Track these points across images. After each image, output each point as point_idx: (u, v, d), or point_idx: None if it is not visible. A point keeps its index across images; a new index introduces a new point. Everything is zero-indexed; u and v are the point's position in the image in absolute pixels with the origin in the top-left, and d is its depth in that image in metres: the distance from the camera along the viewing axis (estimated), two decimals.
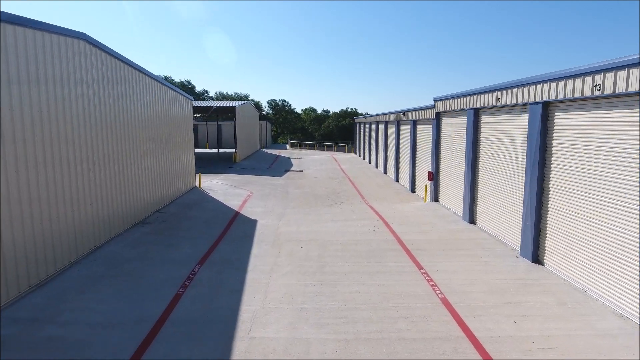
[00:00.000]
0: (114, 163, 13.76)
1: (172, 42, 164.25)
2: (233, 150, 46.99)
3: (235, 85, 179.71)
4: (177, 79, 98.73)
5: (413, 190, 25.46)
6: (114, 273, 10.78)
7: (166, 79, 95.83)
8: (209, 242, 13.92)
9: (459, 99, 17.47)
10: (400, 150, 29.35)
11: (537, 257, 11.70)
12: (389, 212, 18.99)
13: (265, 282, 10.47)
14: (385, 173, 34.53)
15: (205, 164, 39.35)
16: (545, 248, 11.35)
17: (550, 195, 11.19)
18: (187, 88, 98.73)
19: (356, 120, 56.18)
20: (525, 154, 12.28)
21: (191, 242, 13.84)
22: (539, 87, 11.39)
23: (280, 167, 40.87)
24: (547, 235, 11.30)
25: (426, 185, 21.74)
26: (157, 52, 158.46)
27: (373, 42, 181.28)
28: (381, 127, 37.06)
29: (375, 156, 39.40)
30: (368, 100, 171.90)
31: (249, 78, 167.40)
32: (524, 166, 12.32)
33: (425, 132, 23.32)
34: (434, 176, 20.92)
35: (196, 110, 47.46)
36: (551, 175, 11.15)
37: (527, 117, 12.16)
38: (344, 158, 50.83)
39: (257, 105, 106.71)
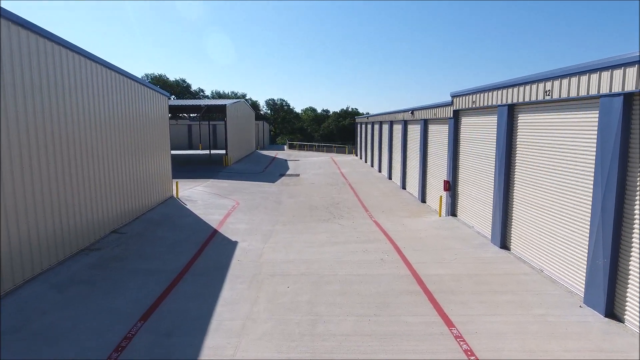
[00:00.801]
0: (44, 170, 10.49)
1: (170, 41, 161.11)
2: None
3: (233, 85, 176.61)
4: (172, 78, 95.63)
5: (423, 201, 22.19)
6: (10, 339, 7.51)
7: (160, 77, 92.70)
8: (167, 279, 10.65)
9: (486, 94, 14.21)
10: (408, 154, 26.08)
11: (612, 311, 8.42)
12: (399, 231, 15.73)
13: (229, 353, 7.20)
14: (390, 178, 31.26)
15: (193, 168, 36.09)
16: (627, 300, 8.07)
17: (635, 222, 7.91)
18: (182, 87, 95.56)
19: (357, 120, 52.93)
20: (593, 163, 9.01)
21: (143, 279, 10.56)
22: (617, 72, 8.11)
23: (275, 170, 37.62)
24: (629, 280, 8.02)
25: (441, 197, 18.47)
26: (155, 52, 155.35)
27: (374, 40, 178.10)
28: (385, 127, 33.81)
29: (379, 159, 36.14)
30: (369, 100, 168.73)
31: (247, 78, 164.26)
32: (592, 179, 9.05)
33: (438, 134, 20.06)
34: (451, 186, 17.66)
35: (184, 109, 44.28)
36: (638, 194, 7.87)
37: (596, 115, 8.90)
38: (344, 160, 47.59)
39: (255, 105, 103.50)
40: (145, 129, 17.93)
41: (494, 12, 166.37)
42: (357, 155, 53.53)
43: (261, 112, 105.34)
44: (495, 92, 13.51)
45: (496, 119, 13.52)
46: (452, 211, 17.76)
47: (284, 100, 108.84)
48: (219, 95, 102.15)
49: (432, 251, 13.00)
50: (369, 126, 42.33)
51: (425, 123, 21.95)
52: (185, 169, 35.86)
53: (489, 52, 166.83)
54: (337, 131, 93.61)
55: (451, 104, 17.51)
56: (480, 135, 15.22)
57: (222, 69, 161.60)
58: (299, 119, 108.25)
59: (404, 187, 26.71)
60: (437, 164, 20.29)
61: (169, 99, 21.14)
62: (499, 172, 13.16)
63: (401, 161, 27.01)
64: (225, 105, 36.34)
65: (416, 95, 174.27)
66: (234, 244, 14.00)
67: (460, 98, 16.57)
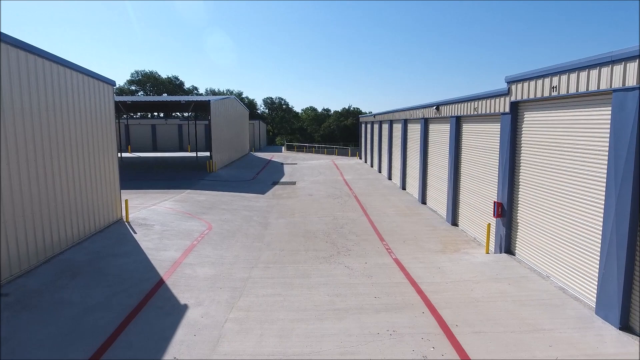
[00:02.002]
0: None
1: (167, 40, 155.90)
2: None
3: (230, 84, 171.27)
4: (164, 75, 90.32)
5: (454, 223, 16.93)
6: None
7: (151, 74, 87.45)
8: None
9: (579, 73, 8.91)
10: (429, 161, 20.81)
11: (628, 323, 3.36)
12: (437, 283, 10.45)
13: None
14: (404, 188, 25.99)
15: (171, 175, 30.82)
16: None
17: None
18: (174, 84, 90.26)
19: (362, 120, 47.66)
20: None
21: None
22: None
23: (268, 177, 32.33)
24: None
25: (489, 225, 13.17)
26: (154, 50, 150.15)
27: (375, 39, 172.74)
28: (397, 127, 28.53)
29: (388, 164, 30.85)
30: (371, 99, 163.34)
31: (245, 76, 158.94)
32: None
33: (479, 136, 14.80)
34: (506, 211, 12.39)
35: (151, 106, 38.78)
36: None
37: None
38: (347, 164, 42.30)
39: (251, 104, 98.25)
40: (74, 126, 12.66)
41: (497, 12, 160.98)
42: (361, 159, 48.27)
43: (258, 111, 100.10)
44: (596, 70, 8.21)
45: (609, 112, 8.23)
46: (507, 246, 12.48)
47: (282, 99, 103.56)
48: (213, 93, 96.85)
49: (507, 336, 7.71)
50: (376, 126, 37.06)
51: (457, 121, 16.68)
52: (162, 175, 30.59)
53: (490, 52, 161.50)
54: (339, 131, 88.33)
55: (506, 93, 12.23)
56: (560, 139, 9.95)
57: (219, 67, 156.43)
58: (298, 118, 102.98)
59: (423, 202, 21.43)
60: (475, 177, 15.02)
61: (114, 87, 15.82)
62: (615, 195, 7.88)
63: (419, 169, 21.73)
64: (209, 101, 31.01)
65: (422, 94, 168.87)
66: (179, 313, 8.73)
67: (525, 84, 11.28)
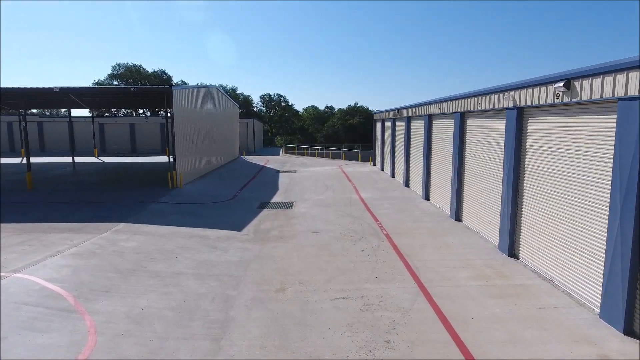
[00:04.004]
0: None
1: (167, 38, 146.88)
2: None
3: (225, 80, 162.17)
4: (149, 69, 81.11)
5: (630, 332, 7.77)
6: None
7: (134, 67, 78.28)
8: None
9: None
10: (527, 175, 11.60)
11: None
12: None
13: None
14: (458, 219, 16.81)
15: (116, 194, 21.65)
16: None
17: None
18: (161, 78, 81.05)
19: (377, 117, 38.44)
20: None
21: None
22: None
23: (255, 194, 23.13)
24: None
25: None
26: (153, 49, 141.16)
27: (376, 37, 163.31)
28: (441, 124, 19.33)
29: (425, 179, 21.64)
30: (374, 99, 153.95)
31: (243, 75, 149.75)
32: None
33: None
34: None
35: (97, 98, 29.53)
36: None
37: None
38: (360, 173, 33.12)
39: (247, 101, 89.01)
40: None
41: (501, 11, 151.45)
42: (375, 165, 39.10)
43: (254, 108, 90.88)
44: None
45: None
46: None
47: (281, 96, 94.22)
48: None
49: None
50: (401, 124, 27.87)
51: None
52: (102, 196, 21.40)
53: (492, 53, 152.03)
54: (344, 131, 79.05)
55: None
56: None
57: (216, 63, 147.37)
58: (299, 117, 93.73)
59: (512, 252, 12.22)
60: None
61: None
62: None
63: (507, 190, 12.52)
64: (171, 89, 21.75)
65: (425, 93, 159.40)
66: None
67: None
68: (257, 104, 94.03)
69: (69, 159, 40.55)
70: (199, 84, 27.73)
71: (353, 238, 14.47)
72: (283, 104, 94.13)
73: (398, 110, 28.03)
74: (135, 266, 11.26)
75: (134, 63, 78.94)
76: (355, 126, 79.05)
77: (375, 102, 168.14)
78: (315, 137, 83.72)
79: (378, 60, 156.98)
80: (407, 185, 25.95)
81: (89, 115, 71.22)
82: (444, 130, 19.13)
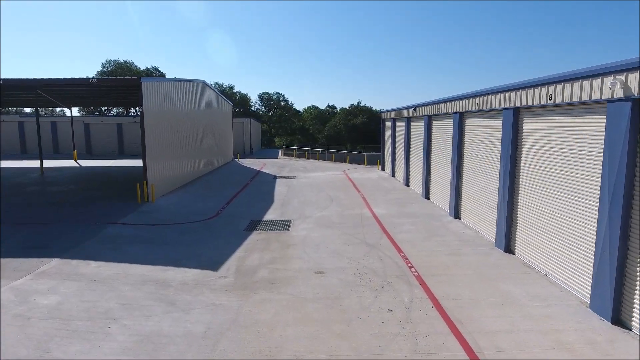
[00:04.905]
0: None
1: (167, 38, 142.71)
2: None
3: (223, 78, 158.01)
4: (142, 66, 76.88)
5: None
6: None
7: (125, 64, 74.13)
8: None
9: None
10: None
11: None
12: None
13: None
14: (509, 251, 12.59)
15: (72, 211, 17.46)
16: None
17: None
18: (153, 76, 76.83)
19: (386, 116, 34.22)
20: None
21: None
22: None
23: (244, 210, 18.90)
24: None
25: None
26: (153, 49, 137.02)
27: (376, 36, 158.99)
28: (475, 124, 15.12)
29: (456, 190, 17.42)
30: (374, 99, 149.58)
31: (242, 74, 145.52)
32: None
33: None
34: None
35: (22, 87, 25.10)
36: None
37: None
38: (368, 180, 28.91)
39: (245, 100, 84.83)
40: None
41: (501, 12, 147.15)
42: (384, 170, 34.89)
43: (252, 108, 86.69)
44: None
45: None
46: None
47: (280, 95, 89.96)
48: None
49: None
50: (418, 124, 23.68)
51: None
52: (53, 213, 17.18)
53: (493, 53, 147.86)
54: (347, 132, 74.81)
55: None
56: None
57: (215, 63, 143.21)
58: (299, 116, 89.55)
59: (620, 318, 8.09)
60: None
61: None
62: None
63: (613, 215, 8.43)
64: (140, 80, 17.53)
65: (428, 92, 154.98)
66: None
67: None
68: (256, 103, 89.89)
69: (45, 163, 36.26)
70: (181, 78, 23.46)
71: (373, 284, 10.27)
72: (282, 103, 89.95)
73: (415, 107, 23.80)
74: (32, 351, 7.05)
75: (125, 60, 74.81)
76: (359, 126, 74.83)
77: (376, 102, 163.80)
78: (316, 138, 79.56)
79: (380, 59, 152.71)
80: (427, 197, 21.75)
81: (77, 114, 67.18)
82: (482, 132, 14.92)
